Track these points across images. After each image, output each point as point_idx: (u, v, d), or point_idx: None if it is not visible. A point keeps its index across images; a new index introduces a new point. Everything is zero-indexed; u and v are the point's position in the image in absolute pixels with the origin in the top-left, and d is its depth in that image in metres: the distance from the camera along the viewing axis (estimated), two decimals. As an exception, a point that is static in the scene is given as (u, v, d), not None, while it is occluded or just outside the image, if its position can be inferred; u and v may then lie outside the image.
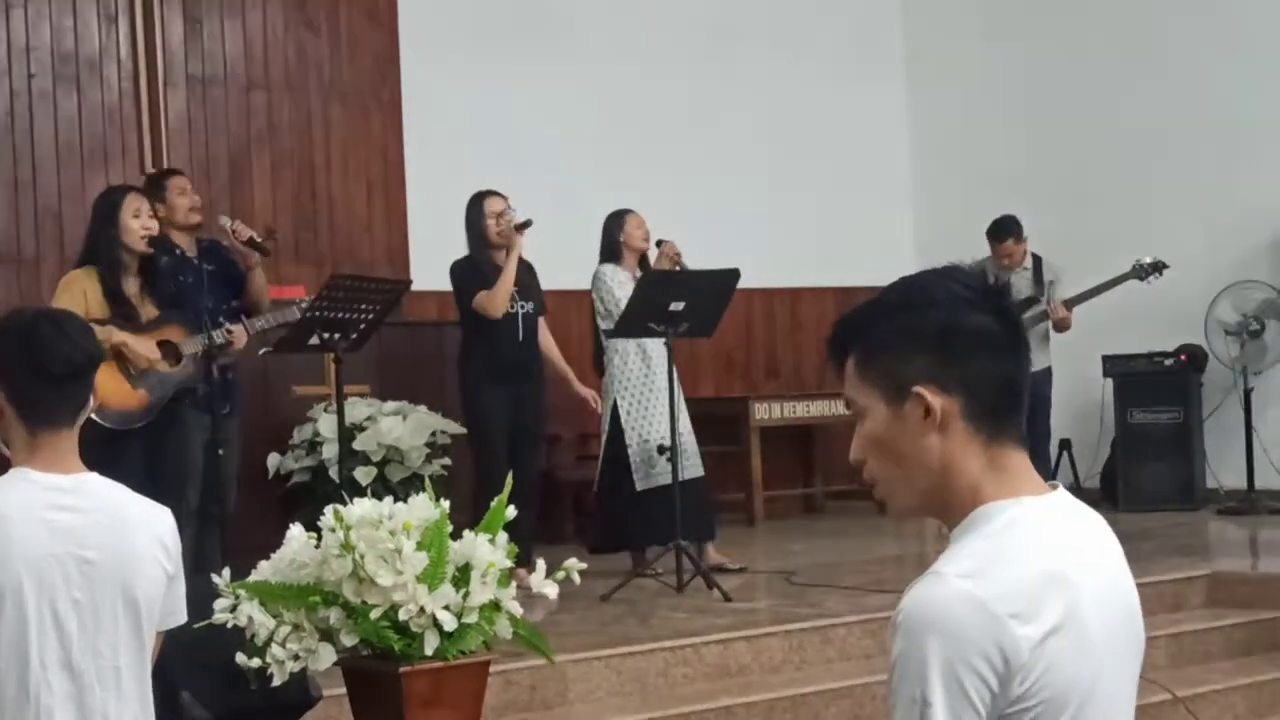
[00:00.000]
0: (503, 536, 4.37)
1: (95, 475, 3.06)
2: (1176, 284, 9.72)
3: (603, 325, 7.80)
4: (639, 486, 7.66)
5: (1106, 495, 10.30)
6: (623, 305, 7.49)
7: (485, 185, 7.74)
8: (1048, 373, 9.19)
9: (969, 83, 11.62)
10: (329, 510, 4.21)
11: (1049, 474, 9.24)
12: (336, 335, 6.79)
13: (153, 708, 3.10)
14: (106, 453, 5.73)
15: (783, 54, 11.28)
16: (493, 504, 4.45)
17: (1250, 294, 10.06)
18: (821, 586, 7.32)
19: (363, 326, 6.88)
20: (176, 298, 6.78)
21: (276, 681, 4.20)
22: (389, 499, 4.34)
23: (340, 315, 6.78)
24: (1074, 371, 10.10)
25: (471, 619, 4.23)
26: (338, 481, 6.99)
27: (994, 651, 1.82)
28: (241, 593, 4.23)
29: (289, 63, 9.58)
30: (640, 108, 10.62)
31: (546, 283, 7.91)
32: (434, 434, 8.20)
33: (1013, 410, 1.99)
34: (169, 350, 6.61)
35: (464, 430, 7.94)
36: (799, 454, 11.21)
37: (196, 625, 3.65)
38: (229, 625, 4.19)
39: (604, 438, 7.87)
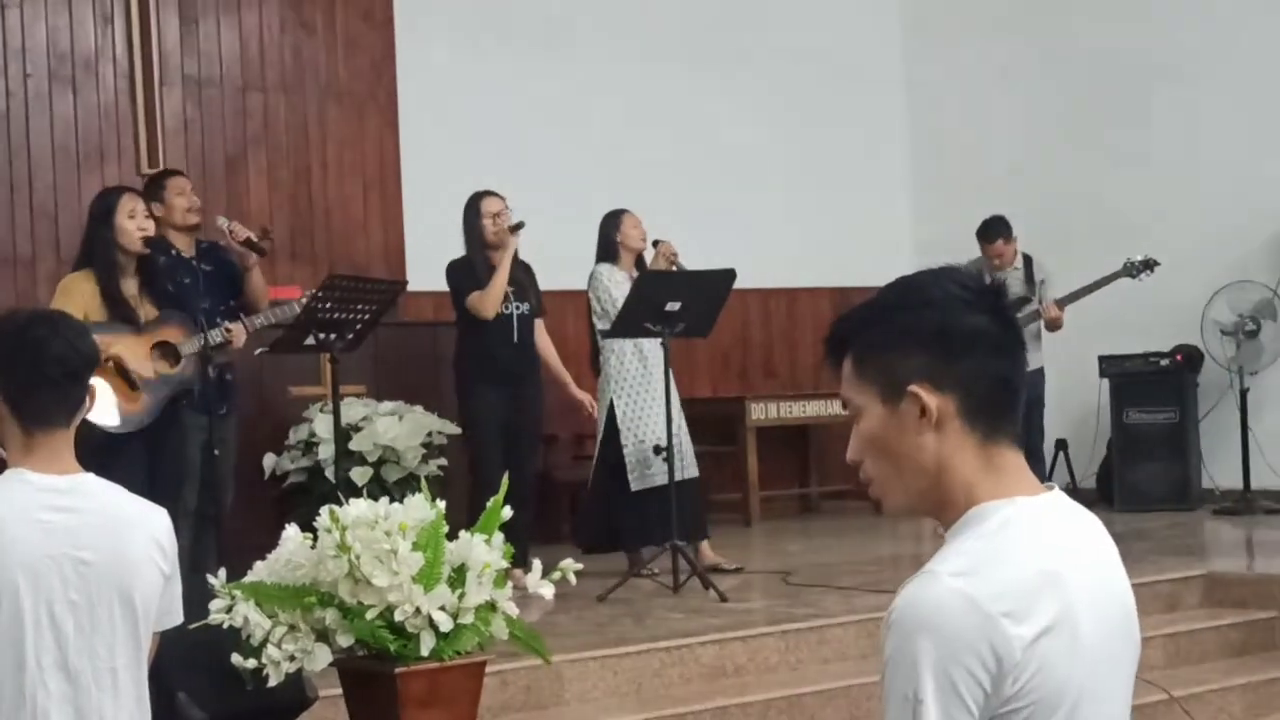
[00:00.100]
0: (499, 537, 4.38)
1: (91, 476, 3.06)
2: (1172, 284, 9.73)
3: (599, 325, 7.80)
4: (634, 487, 7.65)
5: (1103, 495, 10.31)
6: (619, 305, 7.49)
7: (482, 186, 7.73)
8: (1040, 373, 9.19)
9: (967, 83, 11.62)
10: (325, 511, 4.21)
11: (1043, 474, 9.25)
12: (333, 336, 6.78)
13: (149, 708, 3.10)
14: (107, 454, 5.74)
15: (782, 54, 11.28)
16: (488, 504, 4.45)
17: (1246, 294, 10.06)
18: (817, 587, 7.31)
19: (359, 327, 6.87)
20: (174, 298, 6.77)
21: (272, 682, 4.20)
22: (385, 499, 4.34)
23: (336, 315, 6.77)
24: (1070, 372, 10.11)
25: (467, 619, 4.23)
26: (334, 482, 6.98)
27: (986, 651, 1.82)
28: (237, 593, 4.23)
29: (285, 63, 9.57)
30: (638, 108, 10.62)
31: (544, 283, 7.90)
32: (430, 434, 8.19)
33: (1008, 410, 1.99)
34: (168, 351, 6.61)
35: (460, 431, 7.94)
36: (795, 454, 11.20)
37: (193, 626, 3.65)
38: (225, 626, 4.19)
39: (600, 437, 7.87)
